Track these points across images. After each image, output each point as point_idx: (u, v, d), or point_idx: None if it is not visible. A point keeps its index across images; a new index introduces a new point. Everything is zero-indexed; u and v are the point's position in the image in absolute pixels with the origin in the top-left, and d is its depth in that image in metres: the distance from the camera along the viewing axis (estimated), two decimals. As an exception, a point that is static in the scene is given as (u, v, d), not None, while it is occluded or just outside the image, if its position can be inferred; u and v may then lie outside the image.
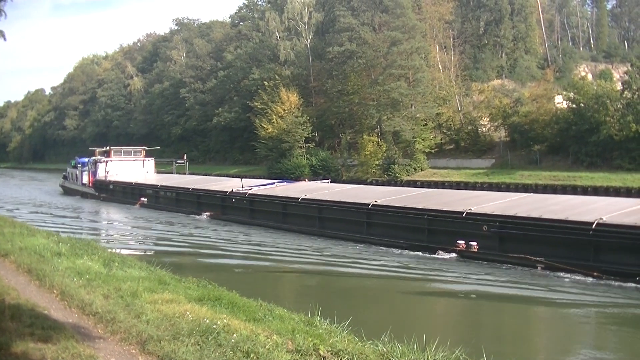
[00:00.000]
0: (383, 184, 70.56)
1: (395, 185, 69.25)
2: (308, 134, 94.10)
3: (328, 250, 35.21)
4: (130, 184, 69.46)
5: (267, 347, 11.03)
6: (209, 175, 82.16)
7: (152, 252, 36.76)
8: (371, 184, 68.48)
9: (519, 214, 31.11)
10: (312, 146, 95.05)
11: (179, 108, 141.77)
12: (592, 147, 66.78)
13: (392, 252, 34.13)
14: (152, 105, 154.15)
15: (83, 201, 72.52)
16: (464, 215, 32.79)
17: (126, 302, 14.38)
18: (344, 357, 10.98)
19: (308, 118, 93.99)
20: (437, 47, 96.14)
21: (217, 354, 10.67)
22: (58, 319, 13.08)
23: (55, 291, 15.72)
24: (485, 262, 30.24)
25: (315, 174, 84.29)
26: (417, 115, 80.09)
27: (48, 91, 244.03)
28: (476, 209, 33.11)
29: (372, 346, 11.93)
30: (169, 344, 11.14)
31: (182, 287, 17.43)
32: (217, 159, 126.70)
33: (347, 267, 30.55)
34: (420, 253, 32.92)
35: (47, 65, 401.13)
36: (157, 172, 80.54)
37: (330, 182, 59.31)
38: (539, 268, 28.36)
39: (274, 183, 54.96)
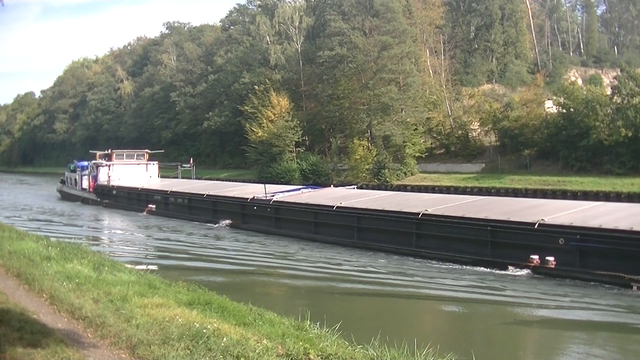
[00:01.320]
0: (373, 188, 69.36)
1: (385, 189, 67.18)
2: (298, 138, 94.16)
3: (382, 266, 31.10)
4: (136, 189, 65.13)
5: (257, 351, 11.00)
6: (199, 179, 78.23)
7: (179, 268, 31.65)
8: (362, 188, 65.08)
9: (605, 226, 27.43)
10: (302, 150, 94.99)
11: (169, 112, 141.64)
12: (581, 152, 66.94)
13: (451, 267, 30.18)
14: (142, 109, 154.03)
15: (84, 207, 68.30)
16: (536, 226, 29.02)
17: (116, 306, 14.32)
18: (334, 361, 10.95)
19: (298, 122, 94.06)
20: (428, 52, 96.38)
21: (207, 358, 10.63)
22: (47, 323, 13.03)
23: (44, 295, 15.65)
24: (569, 280, 26.83)
25: (306, 179, 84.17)
26: (408, 119, 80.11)
27: (38, 94, 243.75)
28: (549, 219, 29.37)
29: (362, 350, 11.90)
30: (159, 348, 11.09)
31: (172, 291, 17.37)
32: (207, 162, 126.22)
33: (417, 288, 26.52)
34: (483, 269, 29.39)
35: (37, 69, 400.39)
36: (161, 177, 76.37)
37: (356, 188, 56.11)
38: (634, 288, 25.13)
39: (300, 189, 50.54)
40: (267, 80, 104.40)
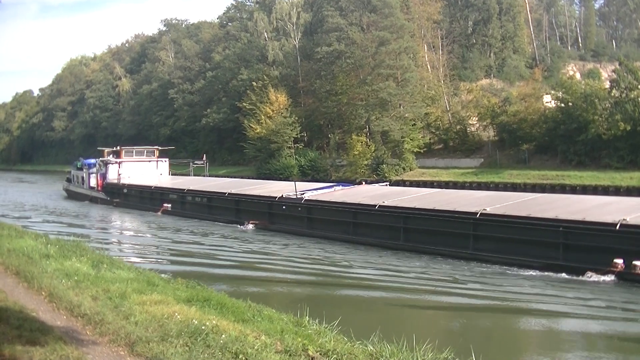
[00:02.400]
0: (372, 183, 69.19)
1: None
2: (296, 135, 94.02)
3: (448, 273, 28.23)
4: (149, 187, 62.63)
5: (255, 347, 11.02)
6: (210, 176, 74.93)
7: (219, 278, 28.01)
8: (360, 183, 61.41)
9: None
10: (300, 146, 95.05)
11: (167, 109, 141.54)
12: (580, 146, 66.85)
13: (519, 273, 27.49)
14: (141, 106, 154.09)
15: (93, 207, 65.98)
16: (617, 227, 26.21)
17: (115, 303, 14.35)
18: (333, 357, 10.97)
19: (296, 118, 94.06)
20: (426, 47, 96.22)
21: (206, 354, 10.65)
22: (46, 320, 13.05)
23: (43, 293, 15.68)
24: None
25: (304, 175, 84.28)
26: (406, 115, 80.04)
27: (36, 92, 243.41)
28: (632, 219, 26.54)
29: (361, 346, 11.90)
30: (157, 345, 11.12)
31: (171, 288, 17.40)
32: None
33: (503, 301, 23.37)
34: (553, 274, 26.97)
35: (35, 67, 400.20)
36: (171, 174, 73.47)
37: (389, 184, 53.31)
38: None
39: (331, 187, 47.09)
40: (265, 77, 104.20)
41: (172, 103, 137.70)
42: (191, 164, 78.10)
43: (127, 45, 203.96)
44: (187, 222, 49.44)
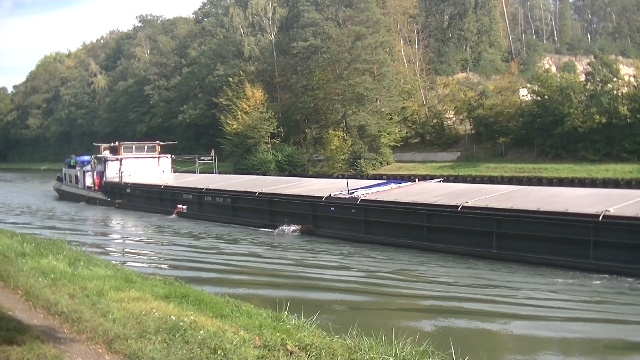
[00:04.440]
0: (350, 177, 68.71)
1: (361, 178, 65.15)
2: (273, 130, 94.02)
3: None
4: (157, 187, 56.26)
5: (234, 343, 10.90)
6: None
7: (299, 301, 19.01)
8: (338, 178, 59.89)
9: None
10: (277, 142, 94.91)
11: (143, 105, 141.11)
12: (556, 139, 67.30)
13: None
14: (117, 103, 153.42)
15: (92, 209, 59.87)
16: None
17: (92, 301, 14.17)
18: (312, 351, 10.85)
19: (273, 114, 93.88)
20: (402, 41, 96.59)
21: (184, 351, 10.52)
22: (23, 319, 12.88)
23: (19, 292, 15.48)
24: None
25: (281, 170, 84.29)
26: (382, 109, 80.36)
27: (10, 90, 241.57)
28: None
29: (339, 340, 11.81)
30: (135, 342, 10.99)
31: (149, 285, 17.23)
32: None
33: None
34: None
35: (8, 64, 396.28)
36: (174, 172, 67.80)
37: (442, 181, 46.10)
38: None
39: (384, 184, 41.53)
40: (241, 72, 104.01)
41: (148, 99, 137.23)
42: (197, 160, 71.66)
43: (102, 41, 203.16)
44: (208, 226, 43.50)
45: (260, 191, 43.53)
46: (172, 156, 69.31)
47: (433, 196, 34.18)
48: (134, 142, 70.54)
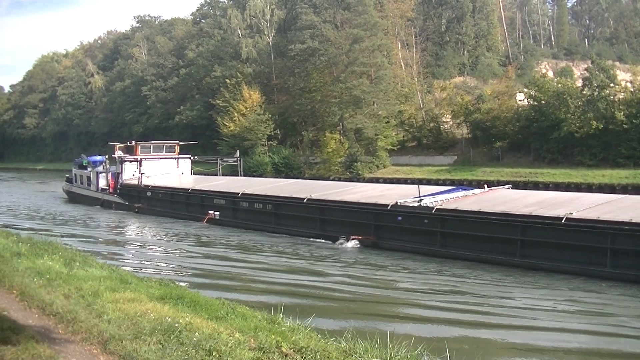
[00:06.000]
0: (346, 180, 68.38)
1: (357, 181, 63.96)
2: (270, 132, 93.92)
3: None
4: (184, 190, 51.63)
5: (229, 345, 10.88)
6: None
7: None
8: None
9: None
10: (274, 144, 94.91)
11: (140, 106, 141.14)
12: (553, 144, 67.35)
13: None
14: (113, 103, 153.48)
15: (108, 213, 55.24)
16: None
17: (87, 301, 14.14)
18: (307, 354, 10.85)
19: (270, 116, 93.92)
20: (399, 45, 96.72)
21: (179, 352, 10.50)
22: (18, 319, 12.84)
23: (14, 292, 15.44)
24: None
25: (278, 172, 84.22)
26: (379, 112, 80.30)
27: (7, 89, 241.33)
28: None
29: (335, 343, 11.80)
30: (130, 343, 10.97)
31: (144, 286, 17.20)
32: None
33: None
34: None
35: (5, 63, 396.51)
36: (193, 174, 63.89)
37: (511, 187, 40.51)
38: None
39: (453, 190, 36.55)
40: (238, 74, 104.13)
41: (145, 100, 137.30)
42: (219, 161, 68.32)
43: (99, 41, 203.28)
44: (249, 235, 39.33)
45: (309, 197, 38.85)
46: (196, 157, 66.62)
47: (523, 205, 29.99)
48: (152, 142, 66.55)
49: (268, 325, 12.88)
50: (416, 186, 35.60)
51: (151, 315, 12.63)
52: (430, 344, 13.12)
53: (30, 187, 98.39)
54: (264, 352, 10.80)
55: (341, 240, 34.44)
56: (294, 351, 11.00)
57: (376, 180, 69.61)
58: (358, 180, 68.73)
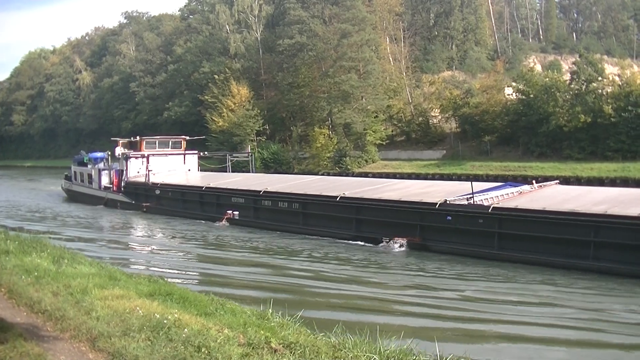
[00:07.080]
0: (335, 175, 68.31)
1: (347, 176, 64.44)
2: (259, 127, 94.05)
3: None
4: (198, 188, 47.60)
5: (218, 341, 10.83)
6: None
7: None
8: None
9: None
10: (263, 139, 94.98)
11: (128, 102, 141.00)
12: (541, 138, 67.47)
13: None
14: (102, 99, 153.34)
15: (114, 213, 52.38)
16: None
17: (76, 299, 14.08)
18: (296, 349, 10.80)
19: (259, 111, 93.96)
20: (388, 39, 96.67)
21: (168, 348, 10.44)
22: (5, 317, 12.78)
23: (2, 289, 15.37)
24: None
25: (267, 167, 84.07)
26: (368, 107, 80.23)
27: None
28: None
29: (324, 338, 11.76)
30: (119, 340, 10.91)
31: (133, 282, 17.13)
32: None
33: None
34: None
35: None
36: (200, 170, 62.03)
37: (558, 183, 37.73)
38: None
39: (503, 187, 33.47)
40: (227, 70, 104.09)
41: (133, 96, 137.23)
42: (228, 157, 64.21)
43: (87, 38, 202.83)
44: (274, 237, 35.75)
45: (342, 195, 35.29)
46: (205, 153, 65.16)
47: (590, 203, 26.89)
48: (157, 137, 64.11)
49: (257, 321, 12.82)
50: (469, 183, 33.38)
51: (140, 311, 12.59)
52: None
53: (20, 184, 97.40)
54: (253, 348, 10.75)
55: (385, 243, 31.02)
56: (283, 346, 10.96)
57: (365, 175, 69.59)
58: (347, 175, 68.58)
